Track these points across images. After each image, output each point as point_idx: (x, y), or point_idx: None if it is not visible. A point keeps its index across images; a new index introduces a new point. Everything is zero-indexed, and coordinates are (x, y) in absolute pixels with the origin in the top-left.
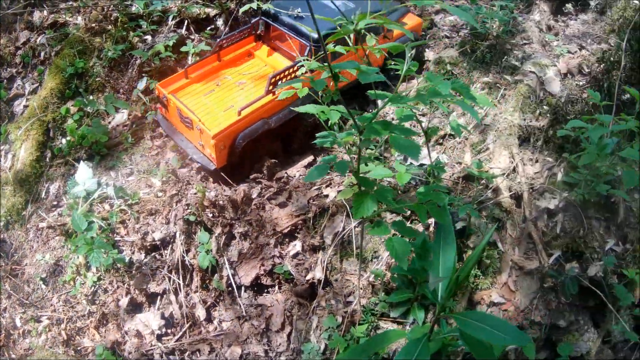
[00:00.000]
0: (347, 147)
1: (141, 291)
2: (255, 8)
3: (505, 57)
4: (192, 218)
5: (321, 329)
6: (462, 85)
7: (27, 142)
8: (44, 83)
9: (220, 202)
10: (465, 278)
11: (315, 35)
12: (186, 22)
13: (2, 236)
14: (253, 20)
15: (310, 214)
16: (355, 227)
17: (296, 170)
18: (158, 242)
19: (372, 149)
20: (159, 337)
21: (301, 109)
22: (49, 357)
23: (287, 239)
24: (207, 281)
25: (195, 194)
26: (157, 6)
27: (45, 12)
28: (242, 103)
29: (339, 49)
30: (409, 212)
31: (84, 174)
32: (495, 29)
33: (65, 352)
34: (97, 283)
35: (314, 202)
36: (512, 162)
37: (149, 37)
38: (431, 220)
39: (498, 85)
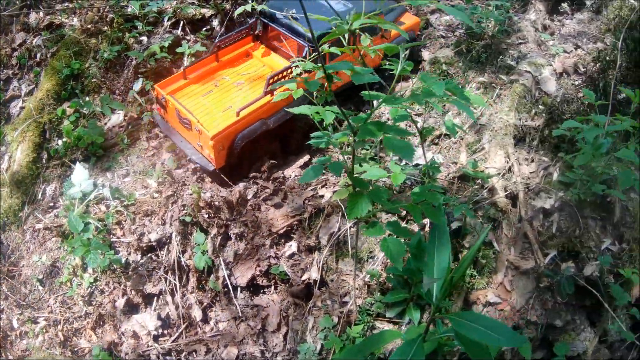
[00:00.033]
0: (342, 147)
1: (137, 292)
2: (250, 10)
3: (501, 56)
4: (187, 219)
5: (317, 329)
6: (456, 86)
7: (24, 143)
8: (40, 84)
9: (216, 203)
10: (460, 278)
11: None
12: (182, 23)
13: None
14: (251, 21)
15: (305, 214)
16: (350, 227)
17: (292, 171)
18: (154, 243)
19: (367, 149)
20: (156, 338)
21: (295, 110)
22: (46, 358)
23: (282, 240)
24: (204, 282)
25: (190, 194)
26: (152, 7)
27: (41, 14)
28: (241, 104)
29: (334, 49)
30: (404, 212)
31: (80, 175)
32: (490, 28)
33: (62, 353)
34: (94, 284)
35: (309, 203)
36: (507, 162)
37: (144, 38)
38: (426, 220)
39: (493, 84)
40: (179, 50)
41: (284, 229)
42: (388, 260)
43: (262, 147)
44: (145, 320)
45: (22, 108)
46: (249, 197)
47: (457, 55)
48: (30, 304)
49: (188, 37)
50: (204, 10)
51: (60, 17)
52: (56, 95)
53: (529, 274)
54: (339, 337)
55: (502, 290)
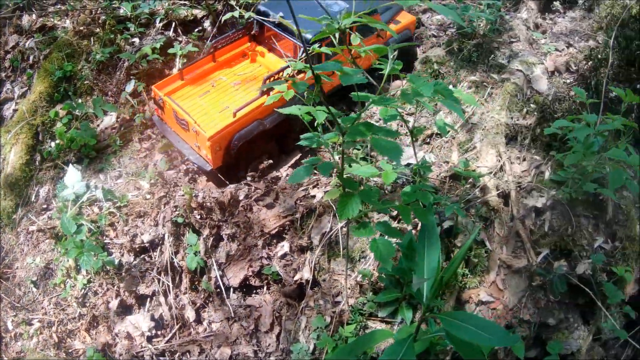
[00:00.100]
0: (334, 147)
1: (131, 293)
2: (237, 16)
3: (492, 55)
4: (180, 220)
5: (310, 329)
6: (445, 88)
7: (17, 145)
8: (33, 87)
9: (208, 204)
10: (450, 278)
11: (309, 36)
12: (173, 24)
13: None
14: (248, 21)
15: (297, 214)
16: (342, 227)
17: (283, 171)
18: (147, 244)
19: (358, 149)
20: (149, 339)
21: (285, 110)
22: (41, 359)
23: (275, 240)
24: (196, 282)
25: (182, 195)
26: (144, 8)
27: (33, 16)
28: (238, 104)
29: (325, 49)
30: (395, 212)
31: (73, 177)
32: (482, 27)
33: (57, 354)
34: (87, 285)
35: (301, 203)
36: (499, 161)
37: (136, 40)
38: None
39: (485, 83)
40: (170, 51)
41: (276, 230)
42: None
43: (258, 147)
44: (139, 321)
45: (15, 110)
46: (241, 197)
47: (448, 54)
48: (24, 306)
49: (180, 38)
50: (195, 12)
51: (52, 19)
52: (49, 98)
53: (522, 273)
54: (331, 336)
55: (495, 289)
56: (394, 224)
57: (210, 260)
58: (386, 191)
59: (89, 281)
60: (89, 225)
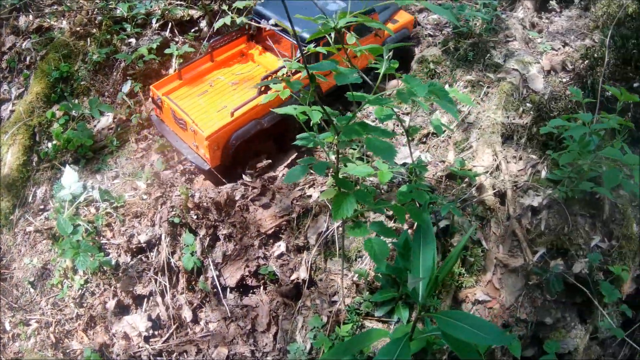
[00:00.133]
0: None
1: (128, 293)
2: (229, 23)
3: (489, 54)
4: (176, 220)
5: (307, 329)
6: (440, 88)
7: (14, 146)
8: (30, 87)
9: (204, 204)
10: (445, 276)
11: (305, 35)
12: (170, 24)
13: None
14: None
15: (293, 214)
16: (338, 227)
17: (280, 171)
18: (144, 245)
19: (354, 149)
20: (147, 339)
21: (280, 110)
22: None
23: (271, 240)
24: (193, 283)
25: (179, 196)
26: (140, 9)
27: (30, 17)
28: (236, 103)
29: (320, 49)
30: (391, 212)
31: (70, 178)
32: (478, 26)
33: (54, 355)
34: (85, 286)
35: (297, 203)
36: (495, 160)
37: (133, 40)
38: None
39: (481, 83)
40: (167, 51)
41: (273, 230)
42: None
43: (256, 146)
44: (136, 322)
45: (12, 111)
46: (237, 197)
47: (444, 53)
48: (22, 307)
49: (176, 39)
50: (192, 12)
51: (49, 20)
52: (46, 98)
53: (518, 272)
54: (328, 336)
55: (491, 289)
56: (391, 224)
57: (207, 260)
58: (382, 191)
59: (86, 282)
60: (85, 226)
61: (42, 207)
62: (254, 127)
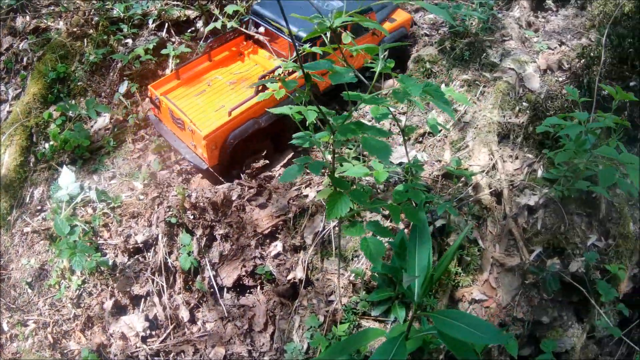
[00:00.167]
0: (326, 147)
1: (125, 294)
2: (219, 27)
3: (485, 54)
4: (173, 220)
5: (303, 329)
6: (436, 89)
7: (11, 147)
8: (27, 88)
9: (201, 204)
10: (440, 275)
11: (303, 35)
12: (166, 24)
13: None
14: (243, 20)
15: (290, 214)
16: (334, 226)
17: (276, 171)
18: (141, 245)
19: (350, 149)
20: (144, 339)
21: (276, 110)
22: None
23: (267, 240)
24: (190, 283)
25: (175, 196)
26: (137, 9)
27: (27, 18)
28: (233, 103)
29: (317, 49)
30: (388, 211)
31: (67, 178)
32: (474, 26)
33: (52, 355)
34: (82, 286)
35: (293, 203)
36: (491, 159)
37: (129, 41)
38: None
39: (477, 82)
40: (163, 52)
41: (269, 229)
42: None
43: (254, 145)
44: (133, 322)
45: (9, 112)
46: (234, 197)
47: (440, 53)
48: (19, 307)
49: (173, 39)
50: (188, 12)
51: (46, 21)
52: (43, 99)
53: (515, 271)
54: (324, 336)
55: (488, 288)
56: (387, 223)
57: (203, 261)
58: (378, 190)
59: (83, 282)
60: (82, 226)
61: (39, 207)
62: (251, 127)
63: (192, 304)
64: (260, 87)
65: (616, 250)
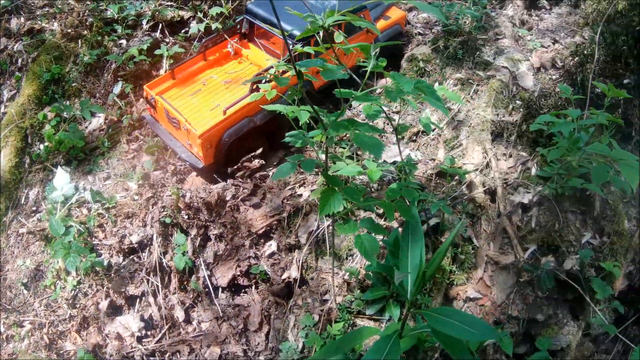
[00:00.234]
0: (320, 146)
1: (120, 294)
2: (202, 29)
3: (478, 52)
4: (168, 220)
5: (298, 328)
6: (427, 85)
7: (6, 148)
8: (22, 90)
9: (195, 204)
10: (433, 272)
11: (296, 33)
12: (160, 25)
13: None
14: (237, 20)
15: (284, 213)
16: (329, 225)
17: (271, 171)
18: (136, 245)
19: (343, 148)
20: (139, 339)
21: (270, 107)
22: None
23: (262, 240)
24: (185, 282)
25: (170, 196)
26: (131, 10)
27: (22, 19)
28: (228, 102)
29: (309, 49)
30: (382, 210)
31: (62, 179)
32: (467, 24)
33: (48, 356)
34: (77, 287)
35: (288, 202)
36: (485, 158)
37: (123, 42)
38: None
39: (471, 81)
40: (157, 52)
41: (263, 229)
42: None
43: (249, 143)
44: (129, 322)
45: (4, 113)
46: (228, 197)
47: (434, 52)
48: (15, 308)
49: (167, 40)
50: (182, 13)
51: (40, 22)
52: (37, 100)
53: (509, 269)
54: (319, 335)
55: (482, 286)
56: (381, 222)
57: (198, 260)
58: (372, 189)
59: (78, 282)
60: (77, 227)
61: (34, 208)
62: (246, 125)
63: (187, 304)
64: (254, 86)
65: (611, 247)
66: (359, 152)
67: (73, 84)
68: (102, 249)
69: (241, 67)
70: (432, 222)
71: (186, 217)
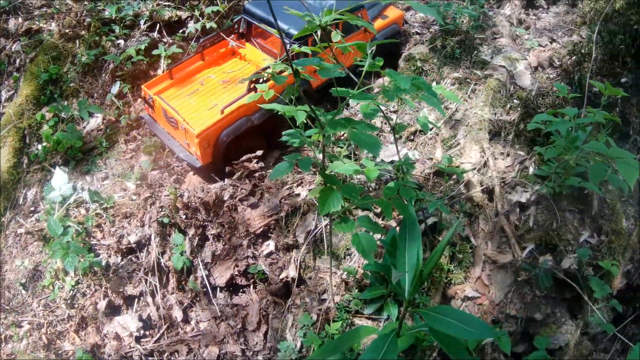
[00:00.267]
0: (317, 146)
1: (118, 294)
2: (199, 29)
3: (476, 52)
4: (166, 220)
5: (296, 327)
6: (424, 82)
7: (4, 149)
8: (20, 90)
9: (193, 204)
10: (431, 271)
11: (294, 32)
12: (158, 25)
13: None
14: (235, 19)
15: (282, 213)
16: (327, 225)
17: (268, 171)
18: (134, 245)
19: (341, 147)
20: (138, 339)
21: (267, 105)
22: None
23: (260, 239)
24: (183, 282)
25: (167, 196)
26: (128, 10)
27: (20, 19)
28: (226, 101)
29: (306, 49)
30: (379, 209)
31: (60, 179)
32: (465, 24)
33: (47, 356)
34: (75, 287)
35: (285, 202)
36: (483, 157)
37: (121, 42)
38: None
39: (468, 80)
40: (155, 52)
41: (261, 229)
42: None
43: (247, 143)
44: (127, 322)
45: (2, 114)
46: (226, 197)
47: (431, 51)
48: (14, 308)
49: (164, 40)
50: (180, 12)
51: (38, 23)
52: (35, 100)
53: (507, 268)
54: (318, 334)
55: (480, 285)
56: (379, 222)
57: (196, 260)
58: (370, 189)
59: (77, 282)
60: (76, 227)
61: (32, 209)
62: (244, 124)
63: (185, 304)
64: (252, 85)
65: (609, 246)
66: (356, 152)
67: (71, 84)
68: (100, 249)
69: (239, 66)
70: (430, 221)
71: (184, 217)
